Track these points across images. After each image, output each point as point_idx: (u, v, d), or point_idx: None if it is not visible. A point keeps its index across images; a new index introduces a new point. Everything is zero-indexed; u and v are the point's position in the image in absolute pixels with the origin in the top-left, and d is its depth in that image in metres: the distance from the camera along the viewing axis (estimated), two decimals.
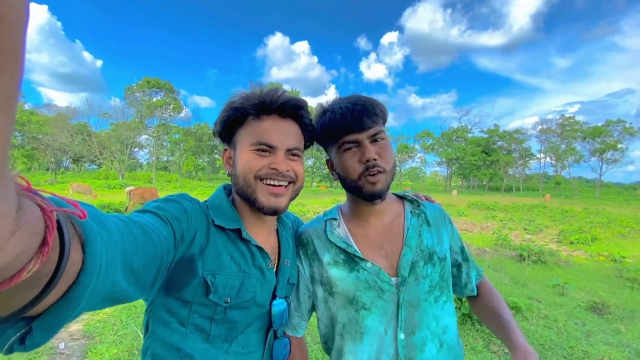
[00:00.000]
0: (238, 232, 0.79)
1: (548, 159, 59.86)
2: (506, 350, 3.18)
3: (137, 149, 52.33)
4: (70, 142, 46.39)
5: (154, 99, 46.60)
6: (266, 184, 0.78)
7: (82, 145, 48.04)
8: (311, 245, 0.95)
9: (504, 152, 58.83)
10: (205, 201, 0.84)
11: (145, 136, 48.99)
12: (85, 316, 3.37)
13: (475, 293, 1.04)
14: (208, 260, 0.73)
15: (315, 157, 51.15)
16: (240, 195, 0.82)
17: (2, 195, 0.20)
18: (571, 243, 9.95)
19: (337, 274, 0.90)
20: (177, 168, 53.00)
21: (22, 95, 42.97)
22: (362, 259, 0.88)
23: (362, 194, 0.88)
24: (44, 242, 0.28)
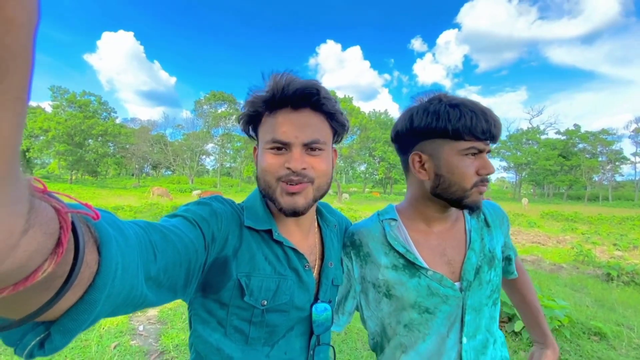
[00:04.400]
0: (270, 233, 0.77)
1: None
2: None
3: (204, 157, 57.53)
4: (150, 151, 53.12)
5: (219, 111, 50.82)
6: (283, 181, 0.73)
7: (159, 153, 54.55)
8: (365, 247, 0.91)
9: (587, 156, 51.36)
10: (242, 202, 0.83)
11: (212, 145, 53.75)
12: None
13: (516, 275, 1.05)
14: (242, 262, 0.72)
15: (367, 163, 50.57)
16: (264, 197, 0.79)
17: (14, 195, 0.21)
18: None
19: (397, 278, 0.86)
20: (238, 174, 56.86)
21: (114, 111, 51.23)
22: (422, 267, 0.85)
23: (459, 202, 0.83)
24: (58, 243, 0.28)
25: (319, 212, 0.93)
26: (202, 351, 0.74)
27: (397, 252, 0.87)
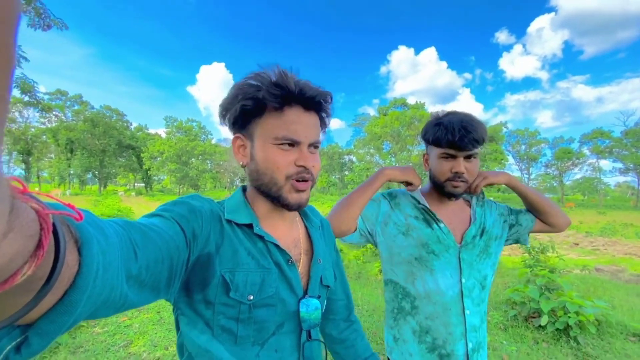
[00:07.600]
0: (251, 227, 0.77)
1: None
2: None
3: None
4: (239, 166, 60.22)
5: None
6: (293, 180, 0.75)
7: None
8: (397, 198, 1.19)
9: None
10: (222, 201, 0.84)
11: None
12: None
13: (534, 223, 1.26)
14: (224, 257, 0.71)
15: None
16: (262, 191, 0.78)
17: None
18: None
19: (416, 224, 1.13)
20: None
21: (210, 133, 59.97)
22: (437, 219, 1.12)
23: (442, 191, 1.11)
24: (39, 245, 0.28)
25: (303, 214, 0.95)
26: (192, 351, 0.73)
27: (420, 208, 1.16)
